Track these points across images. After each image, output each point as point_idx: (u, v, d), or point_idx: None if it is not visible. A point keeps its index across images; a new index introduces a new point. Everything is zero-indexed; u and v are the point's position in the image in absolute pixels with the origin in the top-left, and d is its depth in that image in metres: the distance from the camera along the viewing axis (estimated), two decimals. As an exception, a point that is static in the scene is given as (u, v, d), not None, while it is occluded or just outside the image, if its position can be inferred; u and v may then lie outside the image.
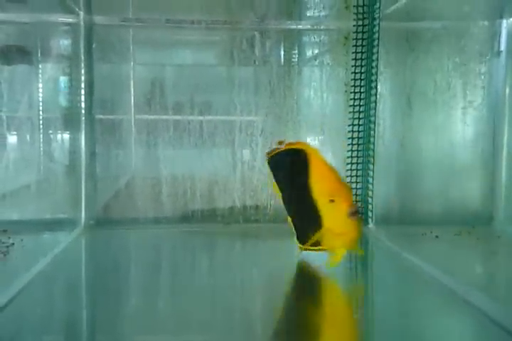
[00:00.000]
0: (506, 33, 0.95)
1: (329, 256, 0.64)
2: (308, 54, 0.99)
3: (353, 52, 0.91)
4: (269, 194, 0.95)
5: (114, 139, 0.95)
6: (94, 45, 0.94)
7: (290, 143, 0.71)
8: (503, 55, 0.95)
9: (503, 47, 0.95)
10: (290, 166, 0.69)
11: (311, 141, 0.97)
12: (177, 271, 0.70)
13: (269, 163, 0.73)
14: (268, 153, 0.74)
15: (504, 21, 0.95)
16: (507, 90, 0.94)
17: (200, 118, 0.95)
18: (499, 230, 0.93)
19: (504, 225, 0.93)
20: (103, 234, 0.89)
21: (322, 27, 0.97)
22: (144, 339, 0.48)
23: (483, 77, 0.96)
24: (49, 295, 0.59)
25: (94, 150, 0.93)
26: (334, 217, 0.63)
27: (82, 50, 0.92)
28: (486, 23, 0.96)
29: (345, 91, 0.94)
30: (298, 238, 0.72)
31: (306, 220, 0.67)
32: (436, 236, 0.84)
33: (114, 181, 0.97)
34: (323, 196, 0.64)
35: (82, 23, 0.92)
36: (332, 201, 0.62)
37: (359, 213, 0.63)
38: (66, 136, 0.90)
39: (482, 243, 0.83)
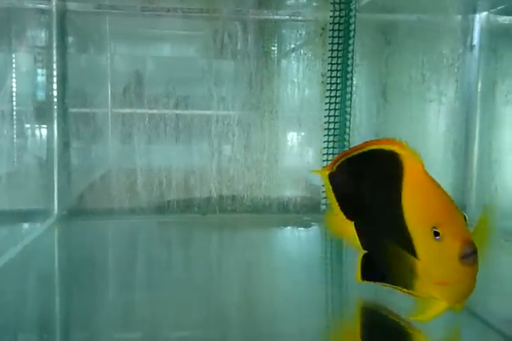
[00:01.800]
0: (479, 28, 0.97)
1: (421, 304, 0.44)
2: (285, 45, 0.99)
3: (329, 44, 0.92)
4: (246, 184, 0.95)
5: (89, 131, 0.93)
6: (67, 34, 0.91)
7: (368, 143, 0.48)
8: (476, 49, 0.97)
9: (475, 41, 0.97)
10: (371, 176, 0.47)
11: (288, 131, 0.97)
12: (152, 262, 0.68)
13: (332, 176, 0.50)
14: (331, 165, 0.51)
15: (477, 16, 0.97)
16: (479, 83, 0.96)
17: (177, 111, 0.94)
18: (471, 220, 0.95)
19: (476, 215, 0.95)
20: (76, 224, 0.88)
21: (299, 18, 0.97)
22: (117, 334, 0.47)
23: (456, 70, 0.97)
24: (17, 284, 0.58)
25: (68, 141, 0.91)
26: (437, 257, 0.42)
27: (54, 39, 0.90)
28: (459, 17, 0.98)
29: (322, 82, 0.95)
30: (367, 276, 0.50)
31: (390, 257, 0.45)
32: (410, 226, 0.85)
33: (90, 172, 0.95)
34: (423, 224, 0.42)
35: (54, 9, 0.90)
36: (437, 234, 0.41)
37: (475, 254, 0.40)
38: (38, 127, 0.88)
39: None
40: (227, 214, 0.94)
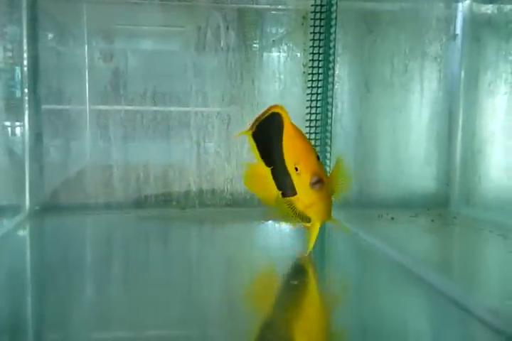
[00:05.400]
0: (462, 17, 0.96)
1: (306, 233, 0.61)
2: (265, 34, 0.96)
3: (311, 33, 0.90)
4: (226, 177, 0.93)
5: (64, 126, 0.90)
6: (39, 23, 0.88)
7: (267, 110, 0.63)
8: (459, 39, 0.96)
9: (458, 30, 0.96)
10: (268, 134, 0.62)
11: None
12: (129, 260, 0.66)
13: (253, 135, 0.64)
14: (251, 126, 0.64)
15: (460, 4, 0.96)
16: (462, 73, 0.95)
17: (155, 107, 0.91)
18: (454, 212, 0.94)
19: (459, 207, 0.95)
20: (49, 220, 0.85)
21: (280, 7, 0.94)
22: (91, 335, 0.44)
23: (439, 60, 0.96)
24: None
25: (40, 135, 0.88)
26: (301, 187, 0.57)
27: (24, 29, 0.86)
28: (442, 6, 0.97)
29: (304, 72, 0.92)
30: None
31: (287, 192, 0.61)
32: (392, 218, 0.84)
33: (64, 167, 0.92)
34: (291, 164, 0.58)
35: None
36: (296, 169, 0.57)
37: (322, 183, 0.55)
38: (8, 122, 0.85)
39: (437, 224, 0.84)
40: (207, 209, 0.92)
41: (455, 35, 0.96)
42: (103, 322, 0.45)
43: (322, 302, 0.53)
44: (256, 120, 0.64)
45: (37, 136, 0.88)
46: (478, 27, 0.92)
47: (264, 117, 0.63)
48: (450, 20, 0.96)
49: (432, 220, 0.85)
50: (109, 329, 0.44)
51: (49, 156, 0.89)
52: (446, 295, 0.51)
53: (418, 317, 0.49)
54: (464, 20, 0.95)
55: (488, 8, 0.90)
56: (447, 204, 0.96)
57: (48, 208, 0.87)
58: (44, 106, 0.88)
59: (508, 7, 0.85)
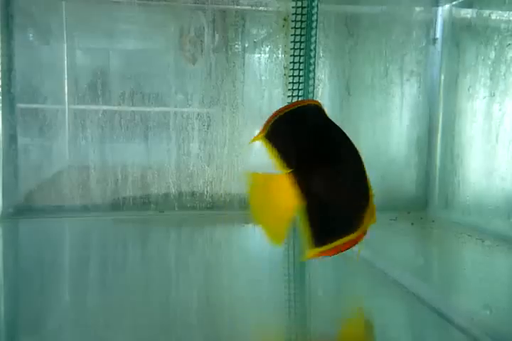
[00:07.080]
0: (442, 21, 0.97)
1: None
2: (247, 36, 0.96)
3: (292, 35, 0.89)
4: (206, 180, 0.92)
5: (40, 126, 0.87)
6: (14, 20, 0.86)
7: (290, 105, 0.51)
8: (439, 43, 0.96)
9: (438, 34, 0.97)
10: (306, 127, 0.49)
11: (250, 125, 0.94)
12: (104, 263, 0.64)
13: (267, 136, 0.50)
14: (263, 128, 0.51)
15: (440, 8, 0.97)
16: (442, 77, 0.96)
17: (133, 108, 0.90)
18: (434, 215, 0.94)
19: (438, 210, 0.95)
20: (24, 222, 0.83)
21: (261, 8, 0.94)
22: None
23: (419, 64, 0.97)
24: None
25: (15, 136, 0.86)
26: None
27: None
28: (422, 10, 0.97)
29: (285, 74, 0.92)
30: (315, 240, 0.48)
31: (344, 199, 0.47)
32: (373, 222, 0.84)
33: (39, 169, 0.90)
34: None
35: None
36: None
37: None
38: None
39: (416, 227, 0.84)
40: (187, 211, 0.91)
41: (435, 39, 0.96)
42: (76, 326, 0.44)
43: (303, 306, 0.52)
44: (271, 118, 0.51)
45: (11, 137, 0.85)
46: (458, 31, 0.93)
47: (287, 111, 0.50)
48: (430, 24, 0.97)
49: (412, 223, 0.86)
50: (80, 333, 0.43)
51: (24, 157, 0.87)
52: (422, 299, 0.51)
53: (393, 321, 0.49)
54: (444, 25, 0.96)
55: (468, 13, 0.91)
56: (427, 207, 0.97)
57: (22, 210, 0.85)
58: (19, 106, 0.87)
59: (487, 12, 0.86)
